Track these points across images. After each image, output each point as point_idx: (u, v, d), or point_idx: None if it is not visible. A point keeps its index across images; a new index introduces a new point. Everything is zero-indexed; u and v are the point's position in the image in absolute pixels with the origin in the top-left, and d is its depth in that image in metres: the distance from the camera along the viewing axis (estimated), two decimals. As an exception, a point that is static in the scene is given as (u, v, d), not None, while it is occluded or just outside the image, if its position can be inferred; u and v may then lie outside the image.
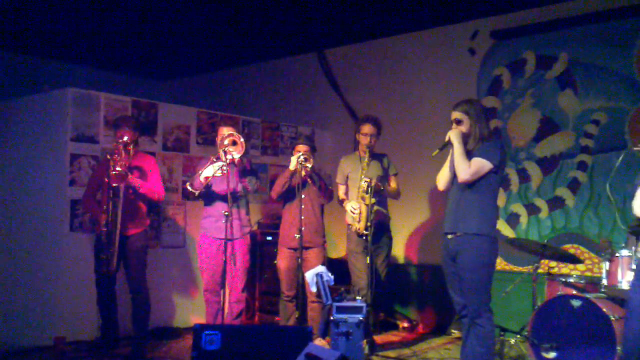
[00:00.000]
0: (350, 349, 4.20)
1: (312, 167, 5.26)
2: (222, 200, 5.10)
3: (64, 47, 7.74)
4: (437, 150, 4.23)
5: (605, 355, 4.14)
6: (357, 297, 4.39)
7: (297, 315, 5.26)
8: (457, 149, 4.07)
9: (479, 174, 4.05)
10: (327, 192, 5.46)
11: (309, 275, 4.48)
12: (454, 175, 4.24)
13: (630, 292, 3.61)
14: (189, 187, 5.18)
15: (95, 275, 5.01)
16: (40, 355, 5.07)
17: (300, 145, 5.40)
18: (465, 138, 4.13)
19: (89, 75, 8.13)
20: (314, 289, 4.47)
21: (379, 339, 5.66)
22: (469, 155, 4.12)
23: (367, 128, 5.36)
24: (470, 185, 4.10)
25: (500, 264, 6.06)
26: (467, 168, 4.02)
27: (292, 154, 5.39)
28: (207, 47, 7.75)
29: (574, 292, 4.55)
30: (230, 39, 7.39)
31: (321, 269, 4.46)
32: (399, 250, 6.78)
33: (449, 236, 4.19)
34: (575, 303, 4.34)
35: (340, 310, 4.31)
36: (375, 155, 5.44)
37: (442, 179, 4.28)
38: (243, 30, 7.06)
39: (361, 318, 4.27)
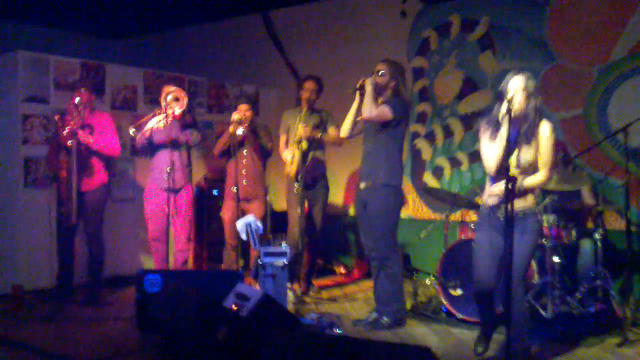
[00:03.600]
0: (276, 289, 4.69)
1: (251, 125, 5.69)
2: (164, 151, 5.44)
3: (12, 6, 7.72)
4: (352, 90, 4.70)
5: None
6: (283, 243, 4.85)
7: (242, 264, 5.80)
8: (369, 92, 4.54)
9: (379, 118, 4.55)
10: (264, 148, 5.89)
11: (239, 224, 4.91)
12: (366, 129, 4.75)
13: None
14: (131, 133, 5.44)
15: (57, 227, 5.36)
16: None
17: (242, 105, 5.81)
18: (381, 90, 4.62)
19: (37, 35, 8.18)
20: (244, 237, 4.92)
21: (316, 283, 6.13)
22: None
23: (308, 84, 5.83)
24: (378, 140, 4.62)
25: (424, 212, 6.60)
26: (373, 109, 4.51)
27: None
28: (154, 7, 7.88)
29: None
30: None
31: (250, 218, 4.89)
32: (338, 199, 7.25)
33: (361, 186, 4.71)
34: (475, 246, 4.85)
35: (267, 254, 4.77)
36: (315, 110, 5.90)
37: (344, 128, 4.79)
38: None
39: (285, 262, 4.73)
